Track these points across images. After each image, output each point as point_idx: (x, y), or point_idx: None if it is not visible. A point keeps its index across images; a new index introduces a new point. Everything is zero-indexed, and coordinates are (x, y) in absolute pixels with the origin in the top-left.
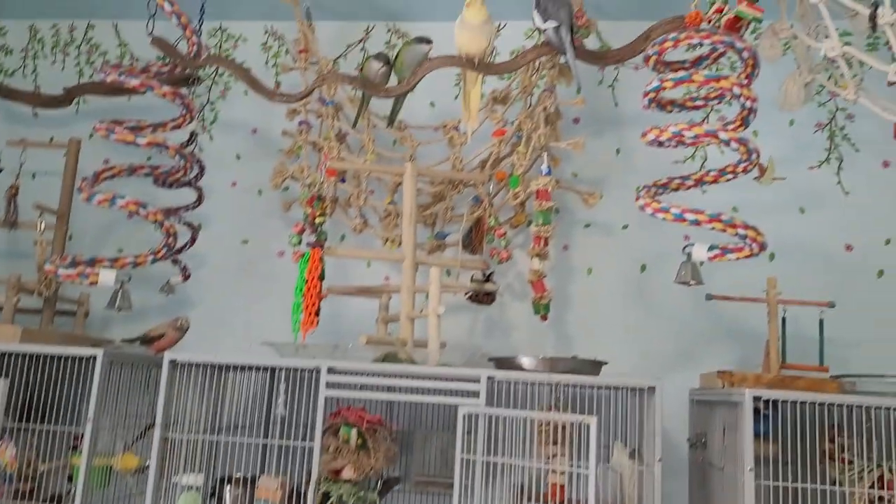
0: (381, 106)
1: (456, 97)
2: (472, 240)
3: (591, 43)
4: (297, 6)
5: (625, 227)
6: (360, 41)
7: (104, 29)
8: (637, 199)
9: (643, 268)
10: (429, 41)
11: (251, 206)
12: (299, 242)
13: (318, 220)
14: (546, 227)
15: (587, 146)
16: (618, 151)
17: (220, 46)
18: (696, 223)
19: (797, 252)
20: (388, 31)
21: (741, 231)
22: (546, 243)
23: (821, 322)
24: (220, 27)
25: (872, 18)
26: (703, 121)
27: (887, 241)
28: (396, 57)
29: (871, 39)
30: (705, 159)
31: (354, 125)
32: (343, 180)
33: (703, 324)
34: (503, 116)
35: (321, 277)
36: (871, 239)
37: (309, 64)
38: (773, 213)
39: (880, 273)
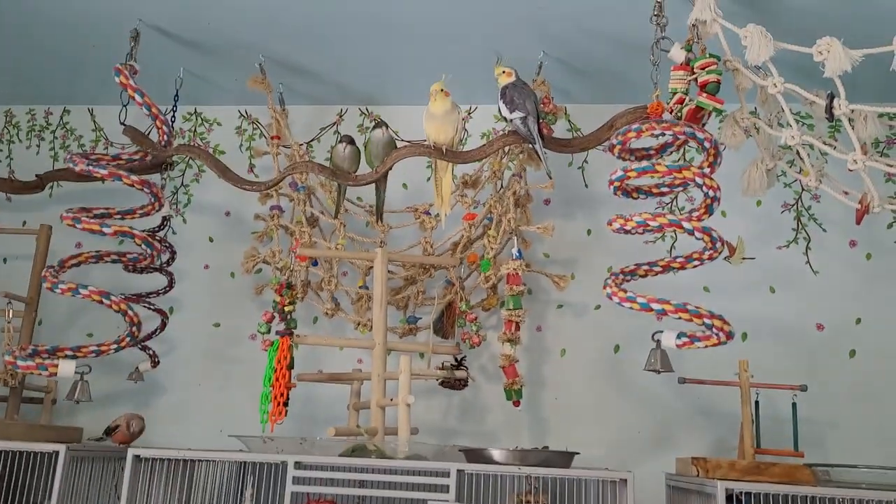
0: (351, 190)
1: (428, 179)
2: (444, 324)
3: (560, 127)
4: (269, 93)
5: (597, 307)
6: (333, 124)
7: (79, 114)
8: (604, 287)
9: (616, 348)
10: (380, 124)
11: (224, 289)
12: (268, 331)
13: (287, 309)
14: (517, 312)
15: (558, 227)
16: (589, 232)
17: (195, 130)
18: (662, 313)
19: (769, 332)
20: (361, 114)
21: (707, 321)
22: (517, 328)
23: (794, 406)
24: (195, 111)
25: (829, 109)
26: (671, 203)
27: (858, 321)
28: (365, 147)
29: (833, 123)
30: (675, 239)
31: (336, 215)
32: (315, 263)
33: (678, 406)
34: (473, 200)
35: (290, 367)
36: (842, 318)
37: (280, 149)
38: (744, 293)
39: (852, 353)
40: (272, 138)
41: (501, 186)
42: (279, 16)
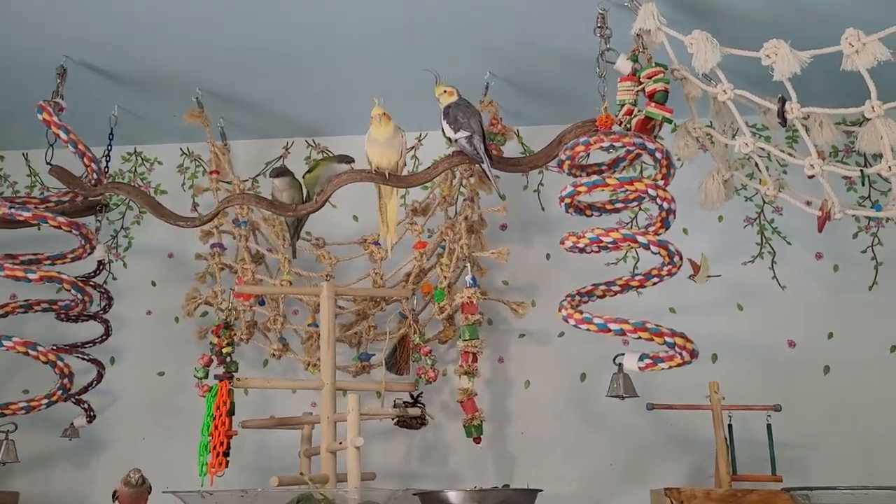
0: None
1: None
2: (397, 359)
3: (513, 149)
4: (207, 127)
5: (561, 334)
6: (279, 158)
7: (14, 159)
8: (559, 309)
9: (583, 377)
10: (350, 160)
11: (168, 335)
12: (206, 375)
13: (224, 351)
14: (474, 342)
15: (516, 253)
16: (548, 256)
17: (135, 171)
18: (621, 333)
19: (739, 351)
20: (308, 146)
21: (668, 339)
22: (475, 359)
23: (769, 427)
24: (135, 151)
25: (781, 114)
26: (631, 221)
27: (830, 335)
28: (311, 170)
29: (790, 133)
30: (637, 259)
31: (293, 253)
32: (262, 303)
33: (650, 434)
34: (423, 227)
35: (230, 413)
36: (814, 333)
37: (221, 185)
38: (711, 312)
39: (826, 369)
40: (211, 173)
41: (456, 212)
42: (214, 46)
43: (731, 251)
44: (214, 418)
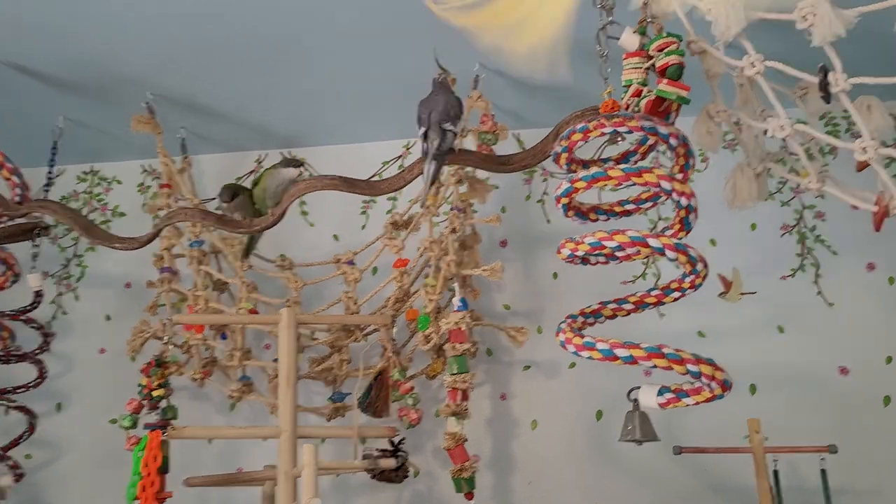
0: (268, 242)
1: (363, 227)
2: (374, 399)
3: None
4: (158, 135)
5: (572, 365)
6: (251, 172)
7: None
8: (557, 333)
9: (599, 415)
10: (298, 164)
11: (123, 376)
12: (133, 424)
13: (155, 394)
14: (463, 377)
15: (518, 272)
16: (555, 275)
17: (91, 191)
18: (631, 361)
19: (782, 381)
20: (282, 158)
21: (692, 367)
22: (465, 397)
23: (823, 472)
24: (91, 169)
25: (824, 86)
26: (651, 230)
27: (889, 360)
28: (256, 183)
29: (830, 126)
30: (658, 277)
31: (244, 258)
32: (224, 336)
33: (679, 482)
34: (404, 243)
35: (162, 470)
36: (869, 358)
37: (175, 201)
38: (747, 336)
39: (887, 399)
40: (161, 187)
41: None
42: (174, 47)
43: (768, 264)
44: (142, 477)
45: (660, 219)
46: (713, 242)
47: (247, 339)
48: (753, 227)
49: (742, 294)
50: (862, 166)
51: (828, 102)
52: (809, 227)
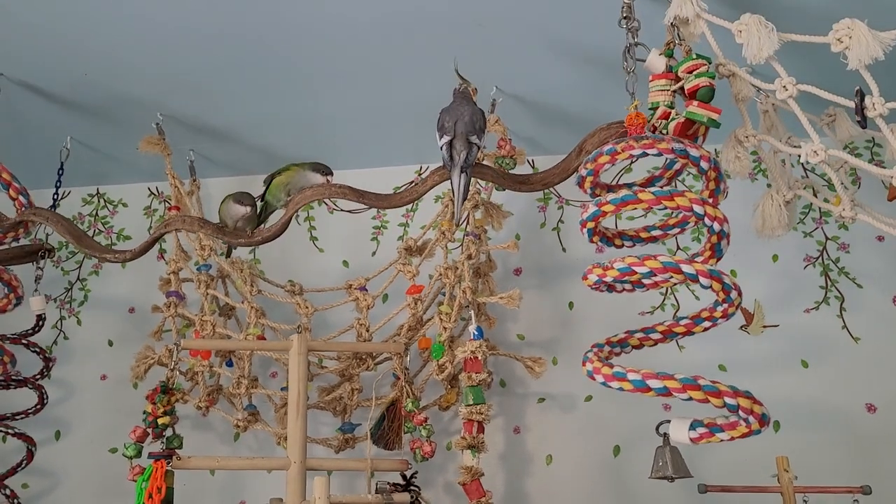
0: (276, 268)
1: (373, 253)
2: (386, 431)
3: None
4: (168, 156)
5: (588, 398)
6: (260, 196)
7: None
8: (584, 363)
9: (616, 450)
10: (328, 171)
11: (125, 403)
12: (138, 453)
13: (161, 421)
14: (479, 408)
15: (533, 301)
16: (571, 305)
17: (96, 214)
18: (665, 392)
19: (807, 418)
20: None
21: (730, 401)
22: (481, 429)
23: None
24: (97, 192)
25: (860, 110)
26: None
27: None
28: (279, 173)
29: (855, 150)
30: (677, 308)
31: (227, 255)
32: (230, 363)
33: None
34: (418, 269)
35: (167, 501)
36: None
37: None
38: (770, 370)
39: None
40: (169, 209)
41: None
42: (182, 69)
43: (791, 296)
44: None
45: (678, 248)
46: (734, 273)
47: (254, 366)
48: (775, 258)
49: (764, 327)
50: (894, 195)
51: (864, 128)
52: (833, 258)
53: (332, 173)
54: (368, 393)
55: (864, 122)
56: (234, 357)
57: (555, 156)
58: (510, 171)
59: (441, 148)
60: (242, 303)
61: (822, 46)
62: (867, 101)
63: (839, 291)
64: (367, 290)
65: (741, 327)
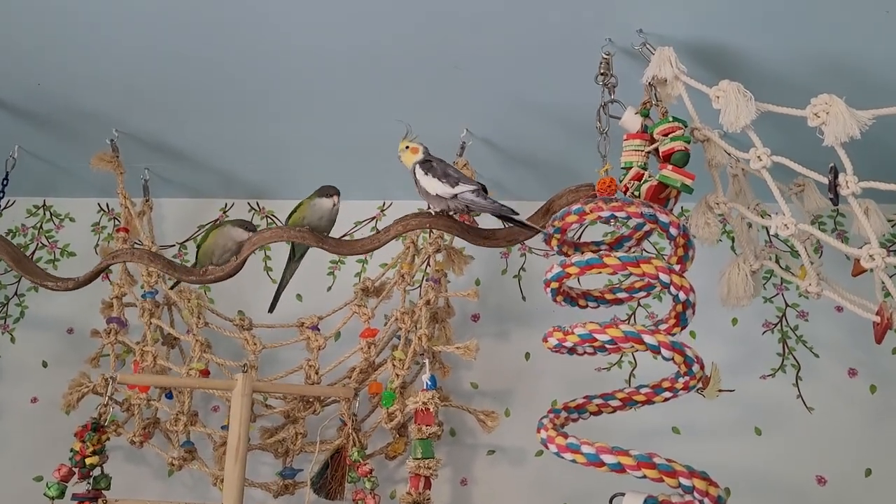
0: (226, 298)
1: (329, 288)
2: (328, 480)
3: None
4: (120, 175)
5: (539, 453)
6: (216, 221)
7: None
8: (538, 430)
9: None
10: (253, 228)
11: (55, 430)
12: (60, 494)
13: (89, 461)
14: (427, 463)
15: (489, 350)
16: (528, 356)
17: (41, 227)
18: (619, 469)
19: (759, 486)
20: (251, 210)
21: (685, 482)
22: (428, 484)
23: None
24: (44, 204)
25: (833, 188)
26: (629, 318)
27: (868, 472)
28: (205, 238)
29: (815, 225)
30: (634, 366)
31: (173, 287)
32: (169, 396)
33: None
34: (374, 311)
35: None
36: (848, 469)
37: (130, 246)
38: (724, 437)
39: None
40: (118, 231)
41: (421, 296)
42: (141, 85)
43: (749, 362)
44: None
45: (639, 305)
46: (693, 335)
47: (195, 399)
48: (735, 321)
49: (720, 391)
50: (859, 271)
51: (836, 205)
52: (792, 326)
53: (255, 230)
54: (313, 437)
55: (836, 199)
56: (175, 390)
57: (520, 201)
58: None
59: (462, 195)
60: (188, 333)
61: (798, 119)
62: (841, 178)
63: (796, 360)
64: (318, 330)
65: (697, 390)
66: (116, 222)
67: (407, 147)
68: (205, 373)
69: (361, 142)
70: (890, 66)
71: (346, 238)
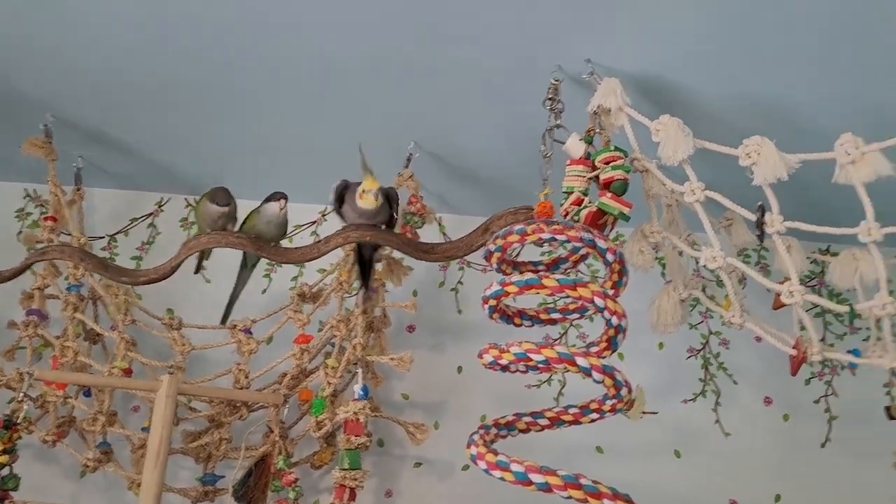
0: (155, 295)
1: (265, 290)
2: (250, 488)
3: (430, 237)
4: (52, 162)
5: (465, 467)
6: (149, 216)
7: None
8: (469, 445)
9: None
10: (227, 202)
11: None
12: None
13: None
14: (354, 474)
15: (423, 361)
16: (460, 369)
17: None
18: (546, 488)
19: None
20: (188, 206)
21: None
22: (353, 496)
23: None
24: None
25: (760, 225)
26: (561, 336)
27: (777, 498)
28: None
29: (740, 257)
30: (563, 384)
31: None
32: (87, 394)
33: None
34: (309, 318)
35: None
36: (758, 494)
37: (58, 235)
38: (645, 456)
39: None
40: (45, 220)
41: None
42: (78, 70)
43: (672, 386)
44: None
45: (571, 325)
46: (621, 356)
47: (115, 397)
48: (661, 346)
49: (644, 413)
50: (778, 306)
51: (761, 241)
52: (714, 353)
53: (227, 202)
54: (238, 442)
55: (762, 236)
56: (95, 389)
57: (462, 215)
58: (417, 229)
59: None
60: (112, 330)
61: (732, 157)
62: (767, 216)
63: (716, 386)
64: (251, 334)
65: (622, 411)
66: (44, 210)
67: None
68: (128, 372)
69: (304, 144)
70: (819, 111)
71: (286, 243)
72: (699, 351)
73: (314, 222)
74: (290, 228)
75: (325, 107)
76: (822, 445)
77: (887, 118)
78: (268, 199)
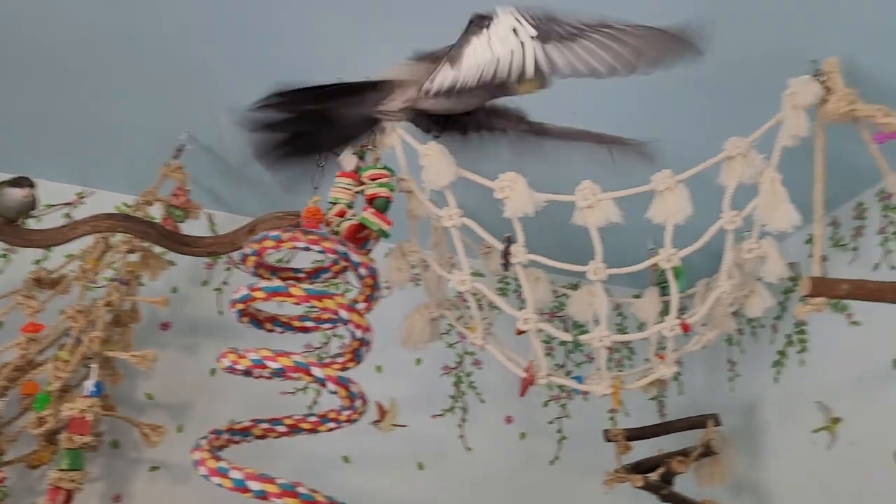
0: None
1: (1, 272)
2: None
3: (198, 229)
4: None
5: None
6: None
7: None
8: (193, 450)
9: None
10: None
11: None
12: None
13: None
14: (71, 475)
15: (174, 361)
16: (213, 372)
17: None
18: (262, 497)
19: None
20: None
21: None
22: (69, 498)
23: None
24: None
25: (505, 255)
26: (323, 346)
27: None
28: None
29: (501, 283)
30: (319, 392)
31: None
32: None
33: None
34: (44, 305)
35: None
36: None
37: None
38: (389, 467)
39: None
40: None
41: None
42: None
43: (425, 400)
44: None
45: (334, 335)
46: (379, 369)
47: None
48: (419, 361)
49: (395, 425)
50: (521, 331)
51: (506, 270)
52: (466, 372)
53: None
54: None
55: (507, 265)
56: None
57: (233, 214)
58: (180, 223)
59: None
60: None
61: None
62: (513, 248)
63: (465, 403)
64: None
65: (373, 422)
66: None
67: None
68: None
69: (71, 122)
70: None
71: (35, 224)
72: (453, 369)
73: (69, 203)
74: (41, 208)
75: (99, 87)
76: (552, 463)
77: None
78: (11, 184)
